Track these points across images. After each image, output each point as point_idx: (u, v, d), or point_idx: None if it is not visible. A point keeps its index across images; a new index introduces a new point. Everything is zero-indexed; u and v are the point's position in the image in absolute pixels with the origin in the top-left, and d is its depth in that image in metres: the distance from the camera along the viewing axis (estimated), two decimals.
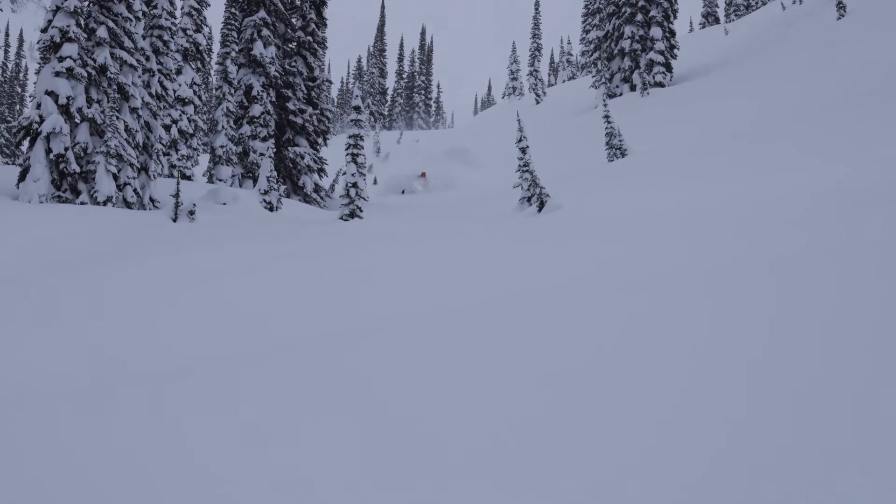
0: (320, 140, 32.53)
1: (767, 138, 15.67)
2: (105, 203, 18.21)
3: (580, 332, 4.51)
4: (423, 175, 37.78)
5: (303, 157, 30.81)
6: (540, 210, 15.48)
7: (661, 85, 35.99)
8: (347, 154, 21.02)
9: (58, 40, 18.58)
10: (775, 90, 23.01)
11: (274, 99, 30.54)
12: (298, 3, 32.00)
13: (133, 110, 19.91)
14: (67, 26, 18.51)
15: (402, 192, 37.08)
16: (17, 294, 9.02)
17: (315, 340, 5.68)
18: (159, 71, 27.00)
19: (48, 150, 18.01)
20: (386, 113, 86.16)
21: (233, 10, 31.04)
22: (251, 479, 3.03)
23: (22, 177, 18.14)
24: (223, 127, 29.43)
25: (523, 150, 16.73)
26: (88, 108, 18.73)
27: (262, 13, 30.20)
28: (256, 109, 29.57)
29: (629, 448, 2.89)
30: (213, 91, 35.36)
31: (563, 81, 78.31)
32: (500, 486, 2.74)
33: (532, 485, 2.72)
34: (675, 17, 37.97)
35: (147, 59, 21.59)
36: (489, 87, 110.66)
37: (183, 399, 4.27)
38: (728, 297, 4.67)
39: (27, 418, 4.30)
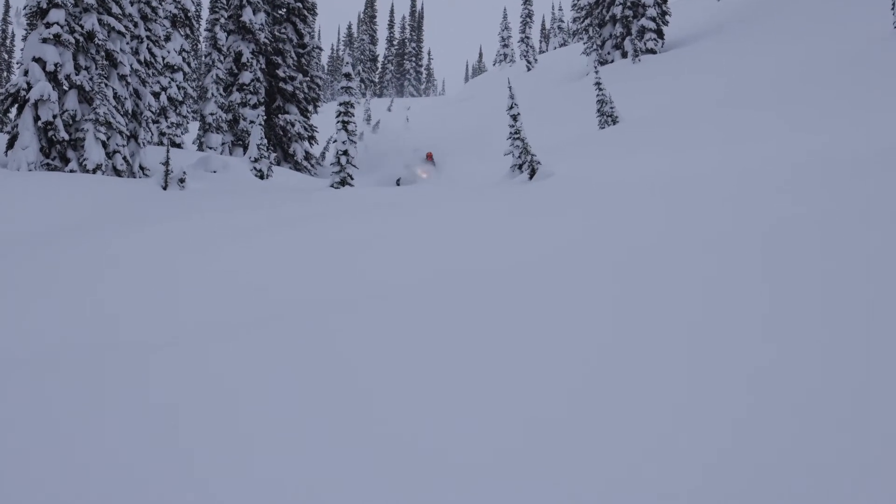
0: (310, 107, 32.38)
1: (757, 106, 15.68)
2: (94, 171, 18.13)
3: (581, 299, 4.56)
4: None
5: (293, 125, 30.69)
6: (531, 177, 15.48)
7: (652, 52, 35.81)
8: (338, 121, 20.92)
9: (44, 6, 18.37)
10: (766, 58, 22.96)
11: (264, 66, 30.33)
12: None
13: (122, 77, 19.76)
14: None
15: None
16: (12, 262, 9.03)
17: (307, 306, 5.72)
18: (147, 37, 26.69)
19: (36, 118, 17.89)
20: (376, 80, 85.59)
21: None
22: (229, 464, 3.03)
23: (10, 144, 18.03)
24: (213, 94, 29.23)
25: (514, 118, 16.69)
26: (76, 74, 18.58)
27: None
28: (246, 77, 29.39)
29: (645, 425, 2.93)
30: (203, 58, 35.04)
31: (555, 48, 77.76)
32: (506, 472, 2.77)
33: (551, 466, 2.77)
34: None
35: (135, 25, 21.39)
36: (480, 54, 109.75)
37: (170, 370, 4.30)
38: (726, 261, 4.72)
39: (19, 381, 4.34)
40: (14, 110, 18.77)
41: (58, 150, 18.28)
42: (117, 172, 18.92)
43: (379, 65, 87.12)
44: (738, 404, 2.82)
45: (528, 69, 57.85)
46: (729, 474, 2.38)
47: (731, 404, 2.83)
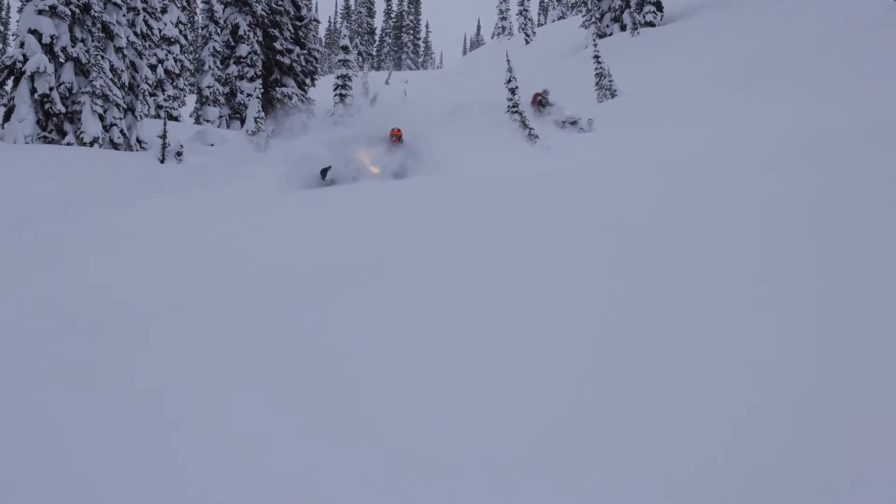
0: (308, 80, 32.25)
1: (756, 82, 15.66)
2: (91, 144, 18.09)
3: (576, 274, 4.58)
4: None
5: (290, 98, 30.59)
6: None
7: (651, 25, 35.61)
8: (335, 94, 20.88)
9: None
10: (767, 33, 22.84)
11: (261, 38, 30.16)
12: None
13: (118, 50, 19.66)
14: None
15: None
16: (10, 235, 9.05)
17: (312, 277, 5.76)
18: (144, 10, 26.53)
19: (33, 90, 17.83)
20: (374, 53, 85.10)
21: None
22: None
23: (6, 117, 17.99)
24: (210, 67, 29.10)
25: (513, 91, 16.68)
26: (73, 47, 18.48)
27: None
28: (243, 49, 29.23)
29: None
30: (199, 30, 34.83)
31: (553, 21, 77.21)
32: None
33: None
34: None
35: None
36: (478, 27, 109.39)
37: (162, 349, 4.29)
38: (725, 225, 4.74)
39: (16, 355, 4.38)
40: (10, 83, 18.71)
41: (54, 123, 18.24)
42: (114, 145, 18.89)
43: (376, 38, 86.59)
44: (742, 391, 2.77)
45: (527, 42, 57.51)
46: (735, 469, 2.29)
47: (737, 390, 2.77)
